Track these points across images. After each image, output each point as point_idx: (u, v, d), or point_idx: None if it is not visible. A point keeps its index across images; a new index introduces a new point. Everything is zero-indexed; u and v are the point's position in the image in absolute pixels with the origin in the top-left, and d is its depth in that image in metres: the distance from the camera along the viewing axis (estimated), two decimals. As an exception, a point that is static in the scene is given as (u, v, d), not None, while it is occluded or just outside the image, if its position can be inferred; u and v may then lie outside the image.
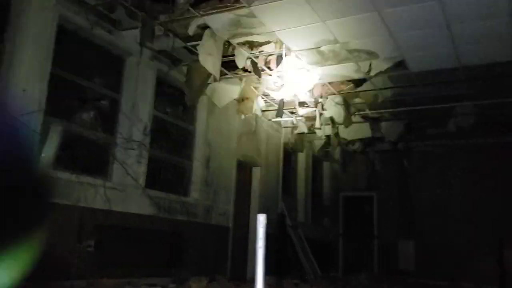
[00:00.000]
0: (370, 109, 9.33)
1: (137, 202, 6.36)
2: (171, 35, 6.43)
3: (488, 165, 12.01)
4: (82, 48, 6.03)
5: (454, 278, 11.28)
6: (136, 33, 6.23)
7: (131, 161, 6.33)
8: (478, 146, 11.99)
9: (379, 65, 7.15)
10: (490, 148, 11.94)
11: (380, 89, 8.29)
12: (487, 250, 11.49)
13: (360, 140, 11.23)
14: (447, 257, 11.95)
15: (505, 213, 11.57)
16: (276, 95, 8.39)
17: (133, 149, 6.39)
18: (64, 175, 5.32)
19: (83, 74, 6.00)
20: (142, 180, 6.48)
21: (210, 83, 7.74)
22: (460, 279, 11.23)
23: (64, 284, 5.11)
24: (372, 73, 7.37)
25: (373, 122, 10.14)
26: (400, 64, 7.16)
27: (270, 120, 10.14)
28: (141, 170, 6.49)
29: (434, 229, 12.25)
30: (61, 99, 5.56)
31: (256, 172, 9.74)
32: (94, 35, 6.02)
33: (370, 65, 7.16)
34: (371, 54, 6.83)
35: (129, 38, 6.38)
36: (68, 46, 5.79)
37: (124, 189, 6.15)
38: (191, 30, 6.19)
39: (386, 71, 7.31)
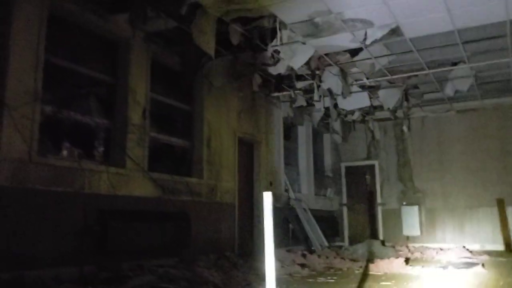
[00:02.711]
0: (367, 78, 9.30)
1: (141, 185, 6.40)
2: (163, 15, 6.35)
3: (486, 127, 12.06)
4: (75, 34, 5.97)
5: (459, 241, 11.45)
6: (128, 16, 6.17)
7: (132, 145, 6.34)
8: (475, 108, 12.00)
9: (374, 33, 7.10)
10: (488, 110, 11.97)
11: (376, 57, 8.25)
12: (488, 211, 11.64)
13: (359, 109, 11.23)
14: (450, 220, 12.11)
15: (504, 174, 11.67)
16: (273, 70, 8.35)
17: (133, 133, 6.40)
18: (67, 163, 5.34)
19: (78, 60, 5.96)
20: (144, 163, 6.51)
21: (205, 62, 7.70)
22: (465, 241, 11.41)
23: (72, 270, 5.19)
24: (367, 42, 7.31)
25: (371, 91, 10.13)
26: (395, 31, 7.10)
27: (268, 95, 10.11)
28: (143, 153, 6.51)
29: (436, 194, 12.38)
30: (57, 86, 5.54)
31: (257, 148, 9.77)
32: (86, 21, 5.96)
33: (366, 33, 7.10)
34: (366, 23, 6.77)
35: (121, 21, 6.31)
36: (61, 33, 5.74)
37: (126, 173, 6.18)
38: (183, 10, 6.12)
39: (381, 39, 7.26)
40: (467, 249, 9.39)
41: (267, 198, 2.25)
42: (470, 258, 8.32)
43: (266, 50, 7.46)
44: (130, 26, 6.33)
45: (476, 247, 11.23)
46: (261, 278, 5.43)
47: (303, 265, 6.98)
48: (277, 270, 6.30)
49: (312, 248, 9.97)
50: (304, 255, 8.10)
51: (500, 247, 11.13)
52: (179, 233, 6.76)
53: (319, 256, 7.81)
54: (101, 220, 5.61)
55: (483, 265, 6.85)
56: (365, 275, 6.18)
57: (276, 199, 9.93)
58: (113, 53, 6.58)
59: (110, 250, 5.63)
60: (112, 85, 6.46)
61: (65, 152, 5.53)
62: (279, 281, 5.48)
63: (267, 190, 2.17)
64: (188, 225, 7.02)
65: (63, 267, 5.11)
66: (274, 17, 6.64)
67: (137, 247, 6.02)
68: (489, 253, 9.72)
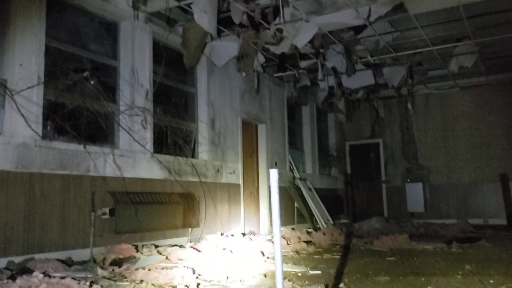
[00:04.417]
0: (371, 56, 9.23)
1: (147, 167, 6.44)
2: (164, -4, 6.29)
3: (491, 103, 12.03)
4: (75, 17, 5.94)
5: (462, 216, 11.51)
6: (128, -4, 6.12)
7: (137, 127, 6.36)
8: (480, 84, 11.94)
9: (378, 10, 7.00)
10: (492, 86, 11.90)
11: (381, 34, 8.17)
12: (492, 186, 11.67)
13: (363, 88, 11.17)
14: (454, 196, 12.17)
15: (508, 149, 11.67)
16: (276, 49, 8.28)
17: (137, 115, 6.41)
18: (71, 146, 5.37)
19: (78, 43, 5.94)
20: (149, 145, 6.53)
21: (207, 42, 7.65)
22: (468, 216, 11.47)
23: (83, 252, 5.27)
24: (371, 19, 7.23)
25: (375, 68, 10.06)
26: (399, 7, 7.01)
27: (271, 75, 10.06)
28: (148, 135, 6.53)
29: (440, 170, 12.42)
30: (59, 70, 5.53)
31: (262, 129, 9.78)
32: (86, 2, 5.91)
33: (370, 10, 7.01)
34: (369, -1, 6.69)
35: (122, 2, 6.27)
36: (61, 16, 5.71)
37: (132, 155, 6.22)
38: (184, -11, 6.06)
39: (385, 15, 7.17)
40: (471, 224, 9.44)
41: (273, 176, 2.26)
42: (473, 232, 8.38)
43: (269, 29, 7.39)
44: (131, 7, 6.27)
45: (479, 221, 11.30)
46: (268, 256, 5.50)
47: (309, 242, 7.05)
48: (283, 248, 6.36)
49: (318, 225, 10.05)
50: (309, 232, 8.17)
51: (503, 221, 11.19)
52: (187, 214, 6.83)
53: (324, 233, 7.87)
54: (109, 202, 5.67)
55: (486, 239, 6.89)
56: (370, 251, 6.24)
57: (281, 178, 9.97)
58: (114, 35, 6.54)
59: (120, 231, 5.70)
60: (114, 68, 6.45)
61: (70, 136, 5.56)
62: (286, 258, 5.55)
63: (272, 169, 2.18)
64: (196, 205, 7.09)
65: (72, 249, 5.19)
66: (276, -5, 6.56)
67: (146, 228, 6.09)
68: (493, 227, 9.78)
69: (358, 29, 7.94)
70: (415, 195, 12.34)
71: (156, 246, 5.99)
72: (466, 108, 12.32)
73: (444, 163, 12.41)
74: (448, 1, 6.88)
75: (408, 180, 12.63)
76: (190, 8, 6.49)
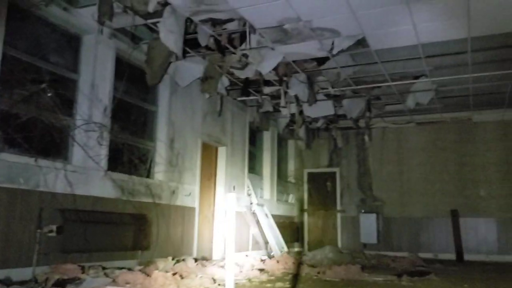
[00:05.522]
0: (332, 87, 9.43)
1: (100, 185, 6.24)
2: (130, 12, 6.23)
3: (444, 140, 12.48)
4: (36, 27, 5.77)
5: (413, 250, 11.75)
6: (93, 10, 6.02)
7: (92, 143, 6.18)
8: (434, 121, 12.39)
9: (341, 43, 7.19)
10: (446, 123, 12.38)
11: (342, 67, 8.38)
12: (442, 222, 12.02)
13: (324, 117, 11.37)
14: (406, 230, 12.42)
15: (459, 186, 12.09)
16: (241, 74, 8.33)
17: (94, 131, 6.23)
18: (22, 159, 5.14)
19: (38, 54, 5.76)
20: (104, 163, 6.34)
21: (172, 62, 7.60)
22: (419, 250, 11.72)
23: (24, 271, 4.99)
24: (334, 51, 7.41)
25: (336, 99, 10.28)
26: (361, 42, 7.23)
27: (235, 99, 10.09)
28: (103, 152, 6.34)
29: (394, 203, 12.68)
30: (16, 80, 5.32)
31: (222, 152, 9.72)
32: (49, 13, 5.77)
33: (333, 43, 7.20)
34: (334, 32, 6.86)
35: (87, 15, 6.15)
36: (21, 25, 5.53)
37: (85, 172, 6.01)
38: (151, 7, 6.02)
39: (348, 49, 7.37)
40: (421, 258, 9.63)
41: (230, 201, 2.22)
42: (423, 266, 8.54)
43: (235, 53, 7.43)
44: (96, 21, 6.16)
45: (429, 256, 11.57)
46: (219, 283, 5.39)
47: (262, 270, 6.97)
48: (235, 275, 6.25)
49: (272, 253, 9.98)
50: (263, 260, 8.09)
51: (452, 256, 11.50)
52: (138, 236, 6.62)
53: (278, 261, 7.82)
54: (57, 220, 5.43)
55: (435, 273, 7.04)
56: (322, 281, 6.23)
57: (238, 203, 9.88)
58: (76, 48, 6.39)
59: (66, 250, 5.45)
60: (74, 81, 6.28)
61: (21, 148, 5.32)
62: (238, 286, 5.45)
63: (230, 193, 2.13)
64: (148, 227, 6.89)
65: (14, 268, 4.91)
66: (244, 21, 6.63)
67: (95, 248, 5.86)
68: (442, 262, 10.02)
69: (321, 61, 8.11)
70: (368, 227, 12.50)
71: (104, 268, 5.75)
72: (420, 143, 12.72)
73: (397, 196, 12.69)
74: (407, 40, 7.16)
75: (363, 211, 12.81)
76: (157, 26, 6.45)
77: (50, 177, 5.45)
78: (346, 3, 5.96)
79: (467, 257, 11.41)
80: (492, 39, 7.13)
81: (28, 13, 5.59)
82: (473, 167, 12.04)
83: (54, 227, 5.35)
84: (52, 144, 5.81)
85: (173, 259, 6.93)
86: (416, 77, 9.05)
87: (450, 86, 9.56)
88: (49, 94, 5.77)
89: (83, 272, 5.36)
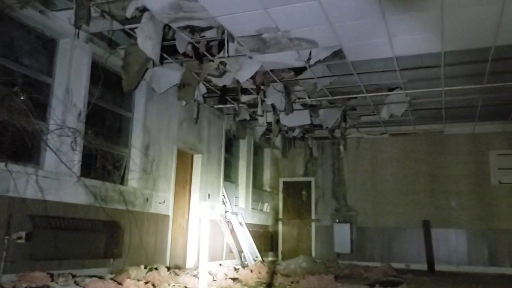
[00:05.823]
0: (309, 97, 9.52)
1: (72, 191, 6.11)
2: (108, 17, 6.17)
3: (417, 151, 12.71)
4: (10, 29, 5.64)
5: (386, 260, 11.88)
6: (70, 14, 5.93)
7: (65, 149, 6.05)
8: (408, 133, 12.62)
9: (318, 54, 7.28)
10: (419, 135, 12.63)
11: (319, 77, 8.47)
12: (414, 232, 12.21)
13: (300, 127, 11.46)
14: (379, 240, 12.56)
15: (431, 196, 12.31)
16: (218, 81, 8.33)
17: (67, 136, 6.11)
18: (-9, 164, 5.00)
19: (11, 56, 5.63)
20: (77, 168, 6.22)
21: (149, 68, 7.55)
22: (392, 260, 11.85)
23: (-8, 278, 4.84)
24: (311, 62, 7.49)
25: (312, 109, 10.37)
26: (338, 54, 7.33)
27: (212, 106, 10.06)
28: (76, 158, 6.22)
29: (367, 213, 12.81)
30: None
31: (198, 159, 9.66)
32: (24, 15, 5.65)
33: (310, 53, 7.28)
34: (311, 43, 6.94)
35: (63, 19, 6.06)
36: (-6, 25, 5.41)
37: (57, 177, 5.88)
38: (129, 13, 5.98)
39: (324, 60, 7.46)
40: (393, 268, 9.75)
41: (204, 210, 2.21)
42: (395, 276, 8.64)
43: (212, 61, 7.43)
44: (73, 25, 6.07)
45: (401, 266, 11.71)
46: (193, 292, 5.33)
47: (235, 279, 6.93)
48: (209, 284, 6.21)
49: (246, 262, 9.94)
50: (237, 269, 8.05)
51: (424, 266, 11.67)
52: (110, 243, 6.50)
53: (251, 270, 7.79)
54: (27, 226, 5.28)
55: (407, 283, 7.13)
56: (296, 291, 6.23)
57: (213, 212, 9.83)
58: (52, 51, 6.28)
59: (35, 258, 5.31)
60: (48, 85, 6.16)
61: (-10, 152, 5.18)
62: (211, 295, 5.40)
63: (204, 202, 2.11)
64: (120, 235, 6.78)
65: (-22, 275, 4.75)
66: (223, 29, 6.64)
67: (65, 256, 5.72)
68: (414, 272, 10.16)
69: (298, 70, 8.18)
70: (342, 236, 12.58)
71: (74, 276, 5.62)
72: (394, 154, 12.92)
73: (371, 206, 12.84)
74: (383, 52, 7.29)
75: (337, 221, 12.89)
76: (134, 32, 6.40)
77: (20, 182, 5.32)
78: (324, 15, 6.04)
79: (438, 267, 11.60)
80: (465, 54, 7.34)
81: (2, 15, 5.46)
82: (444, 178, 12.29)
83: (23, 234, 5.21)
84: (24, 148, 5.67)
85: (145, 267, 6.83)
86: (391, 89, 9.22)
87: (423, 99, 9.77)
88: (22, 98, 5.64)
89: (52, 280, 5.23)
